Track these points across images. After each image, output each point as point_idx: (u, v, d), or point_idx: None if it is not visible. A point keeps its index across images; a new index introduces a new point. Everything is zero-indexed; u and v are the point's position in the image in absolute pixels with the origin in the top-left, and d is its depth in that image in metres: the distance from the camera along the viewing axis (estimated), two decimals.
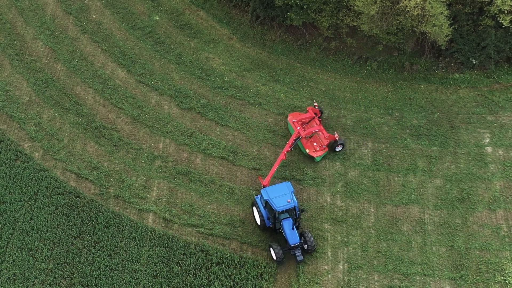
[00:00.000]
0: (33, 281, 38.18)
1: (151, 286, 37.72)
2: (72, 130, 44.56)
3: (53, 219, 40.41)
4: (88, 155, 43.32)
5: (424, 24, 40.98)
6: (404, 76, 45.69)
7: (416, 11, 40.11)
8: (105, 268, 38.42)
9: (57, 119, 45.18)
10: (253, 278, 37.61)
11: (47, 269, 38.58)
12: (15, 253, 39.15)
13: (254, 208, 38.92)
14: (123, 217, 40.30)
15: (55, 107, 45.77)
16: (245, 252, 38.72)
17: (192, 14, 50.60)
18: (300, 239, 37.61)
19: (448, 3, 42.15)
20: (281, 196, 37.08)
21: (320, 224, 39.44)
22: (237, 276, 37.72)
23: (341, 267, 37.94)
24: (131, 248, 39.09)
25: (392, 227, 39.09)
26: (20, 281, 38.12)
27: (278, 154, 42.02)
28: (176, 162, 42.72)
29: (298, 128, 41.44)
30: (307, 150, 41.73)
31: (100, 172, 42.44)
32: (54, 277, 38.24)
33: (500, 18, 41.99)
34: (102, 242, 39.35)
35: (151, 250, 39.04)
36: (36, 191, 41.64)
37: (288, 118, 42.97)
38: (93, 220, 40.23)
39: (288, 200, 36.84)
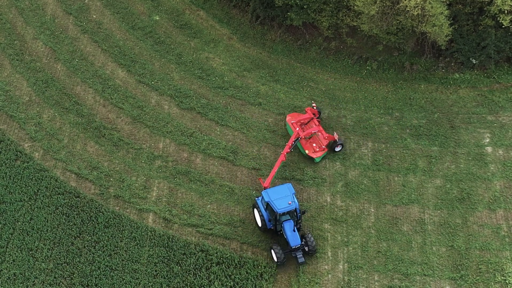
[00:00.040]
0: (33, 281, 38.17)
1: (151, 286, 37.71)
2: (72, 130, 44.55)
3: (53, 219, 40.40)
4: (88, 155, 43.31)
5: (424, 24, 40.97)
6: (404, 76, 45.67)
7: (416, 11, 40.11)
8: (105, 268, 38.41)
9: (57, 119, 45.17)
10: (253, 278, 37.61)
11: (47, 269, 38.56)
12: (15, 253, 39.14)
13: (255, 210, 38.88)
14: (123, 217, 40.29)
15: (55, 107, 45.76)
16: (245, 252, 38.71)
17: (192, 14, 50.59)
18: (302, 241, 37.61)
19: (448, 3, 42.13)
20: (282, 198, 36.98)
21: (320, 224, 39.42)
22: (237, 276, 37.71)
23: (341, 267, 37.92)
24: (131, 248, 39.08)
25: (392, 227, 39.08)
26: (20, 281, 38.11)
27: (278, 154, 42.00)
28: (176, 162, 42.70)
29: (297, 129, 41.41)
30: (307, 151, 41.69)
31: (100, 172, 42.43)
32: (54, 277, 38.23)
33: (500, 18, 41.98)
34: (102, 242, 39.34)
35: (151, 250, 39.03)
36: (36, 191, 41.63)
37: (287, 119, 42.94)
38: (93, 220, 40.22)
39: (290, 202, 36.77)
